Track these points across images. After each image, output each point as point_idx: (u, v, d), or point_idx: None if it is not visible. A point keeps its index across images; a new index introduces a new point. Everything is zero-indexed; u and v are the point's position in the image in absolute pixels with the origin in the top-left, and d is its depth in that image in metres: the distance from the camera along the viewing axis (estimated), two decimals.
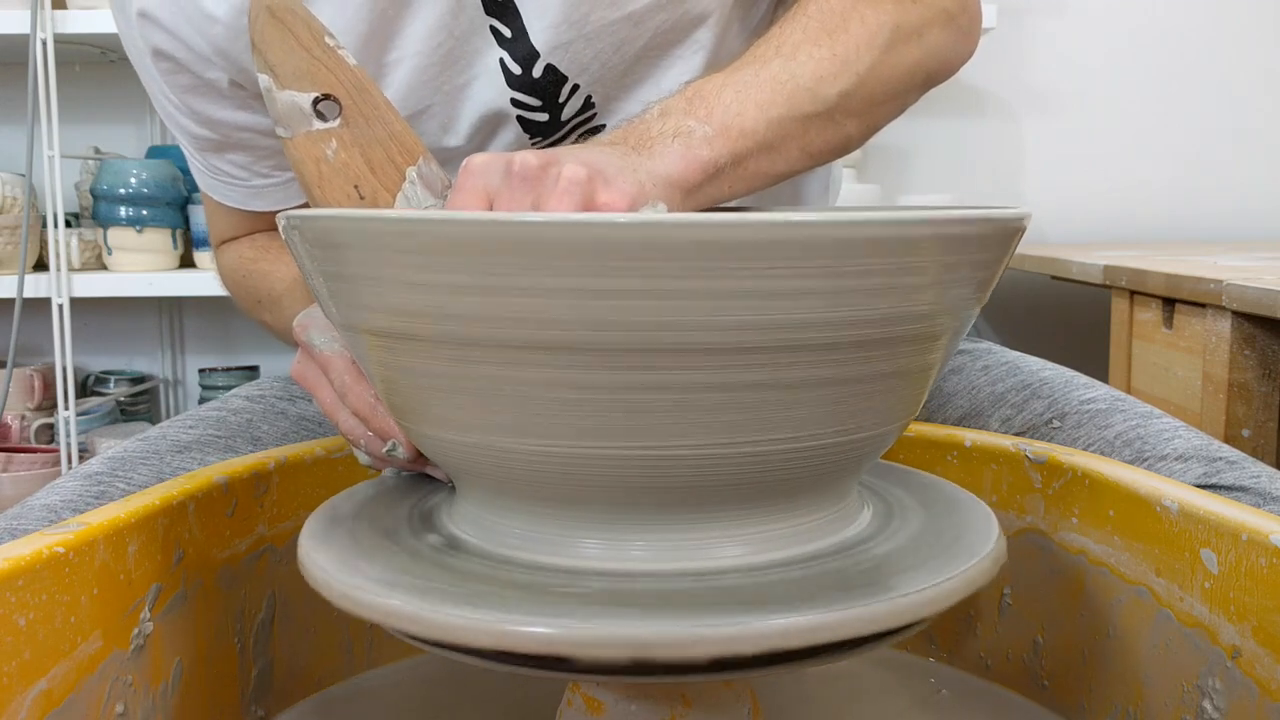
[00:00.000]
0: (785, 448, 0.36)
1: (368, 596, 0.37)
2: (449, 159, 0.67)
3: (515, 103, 0.66)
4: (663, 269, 0.32)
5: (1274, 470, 0.57)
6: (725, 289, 0.32)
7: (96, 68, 1.86)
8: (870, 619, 0.35)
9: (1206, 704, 0.43)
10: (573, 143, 0.68)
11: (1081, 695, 0.51)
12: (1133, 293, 1.31)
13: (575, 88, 0.67)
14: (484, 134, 0.68)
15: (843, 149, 0.60)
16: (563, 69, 0.66)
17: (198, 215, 1.81)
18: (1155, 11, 2.04)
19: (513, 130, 0.68)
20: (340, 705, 0.56)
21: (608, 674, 0.35)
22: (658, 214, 0.32)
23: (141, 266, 1.77)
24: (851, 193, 1.82)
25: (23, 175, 1.74)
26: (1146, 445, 0.60)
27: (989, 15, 1.77)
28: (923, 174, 2.07)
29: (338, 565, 0.39)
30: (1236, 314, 1.07)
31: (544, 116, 0.68)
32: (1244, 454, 0.59)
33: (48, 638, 0.40)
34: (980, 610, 0.56)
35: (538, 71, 0.65)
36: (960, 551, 0.39)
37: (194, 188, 1.86)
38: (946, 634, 0.58)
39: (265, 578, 0.53)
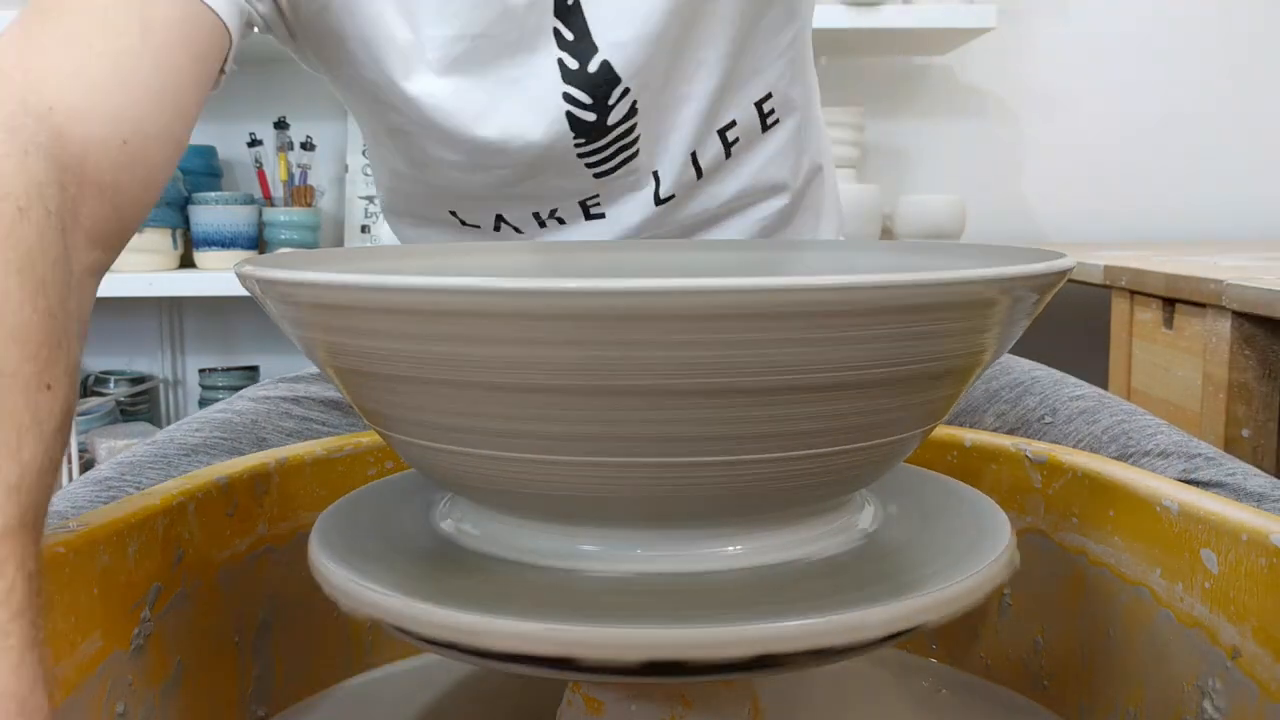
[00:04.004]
0: (805, 465, 0.36)
1: (372, 596, 0.37)
2: (491, 146, 0.69)
3: (567, 97, 0.68)
4: (713, 329, 0.31)
5: (1249, 467, 0.59)
6: (773, 345, 0.31)
7: None
8: (885, 621, 0.35)
9: (1206, 704, 0.43)
10: (614, 155, 0.71)
11: (1081, 695, 0.51)
12: (1133, 293, 1.31)
13: (625, 91, 0.68)
14: (529, 124, 0.69)
15: None
16: (617, 69, 0.67)
17: (198, 215, 1.81)
18: (1155, 11, 2.04)
19: (558, 127, 0.69)
20: (340, 705, 0.56)
21: (609, 675, 0.35)
22: (699, 281, 0.30)
23: (141, 266, 1.77)
24: (851, 193, 1.82)
25: None
26: (1131, 441, 0.62)
27: (989, 15, 1.77)
28: (923, 174, 2.07)
29: (344, 566, 0.39)
30: (1236, 314, 1.07)
31: (592, 116, 0.69)
32: (1221, 451, 0.61)
33: (48, 637, 0.39)
34: (980, 610, 0.56)
35: (593, 67, 0.67)
36: (974, 550, 0.39)
37: (194, 187, 1.86)
38: (946, 634, 0.58)
39: (265, 578, 0.53)
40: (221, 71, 0.61)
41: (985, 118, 2.07)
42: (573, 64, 0.67)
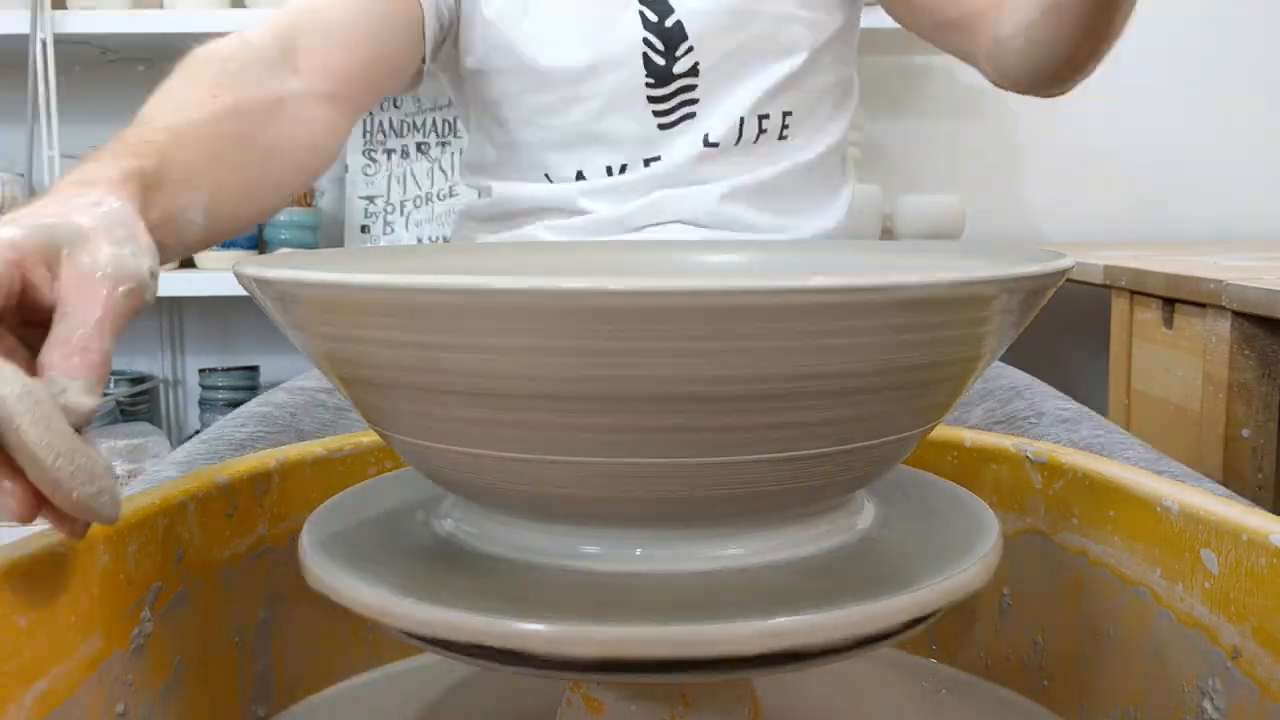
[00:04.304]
0: (804, 465, 0.36)
1: (366, 596, 0.37)
2: (581, 74, 0.84)
3: (646, 41, 0.84)
4: (728, 330, 0.31)
5: (1216, 486, 0.59)
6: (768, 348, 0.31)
7: (96, 68, 1.86)
8: (875, 616, 0.35)
9: (1206, 704, 0.43)
10: (676, 108, 0.86)
11: (1081, 695, 0.51)
12: (1133, 293, 1.31)
13: (690, 49, 0.84)
14: (613, 57, 0.84)
15: None
16: (687, 29, 0.84)
17: None
18: (1156, 11, 2.04)
19: (634, 63, 0.84)
20: (340, 705, 0.56)
21: (608, 674, 0.35)
22: (722, 280, 0.30)
23: None
24: (852, 193, 1.82)
25: (23, 175, 1.74)
26: (1104, 454, 0.63)
27: None
28: (923, 174, 2.07)
29: (338, 565, 0.39)
30: (1236, 314, 1.07)
31: (662, 61, 0.85)
32: (1187, 469, 0.63)
33: (48, 638, 0.40)
34: (980, 610, 0.57)
35: (669, 23, 0.84)
36: (963, 547, 0.40)
37: None
38: (946, 634, 0.58)
39: (265, 578, 0.53)
40: (423, 63, 0.87)
41: (985, 118, 2.06)
42: (653, 17, 0.84)
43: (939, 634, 0.59)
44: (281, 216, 1.85)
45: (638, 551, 0.38)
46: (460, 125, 1.84)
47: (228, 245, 1.80)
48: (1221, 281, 1.08)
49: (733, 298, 0.30)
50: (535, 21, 0.85)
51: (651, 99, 0.85)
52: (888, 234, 1.91)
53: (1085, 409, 0.72)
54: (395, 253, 0.55)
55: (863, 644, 0.35)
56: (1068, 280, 0.39)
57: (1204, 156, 2.05)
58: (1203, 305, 1.13)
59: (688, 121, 0.86)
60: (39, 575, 0.40)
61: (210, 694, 0.50)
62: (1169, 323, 1.22)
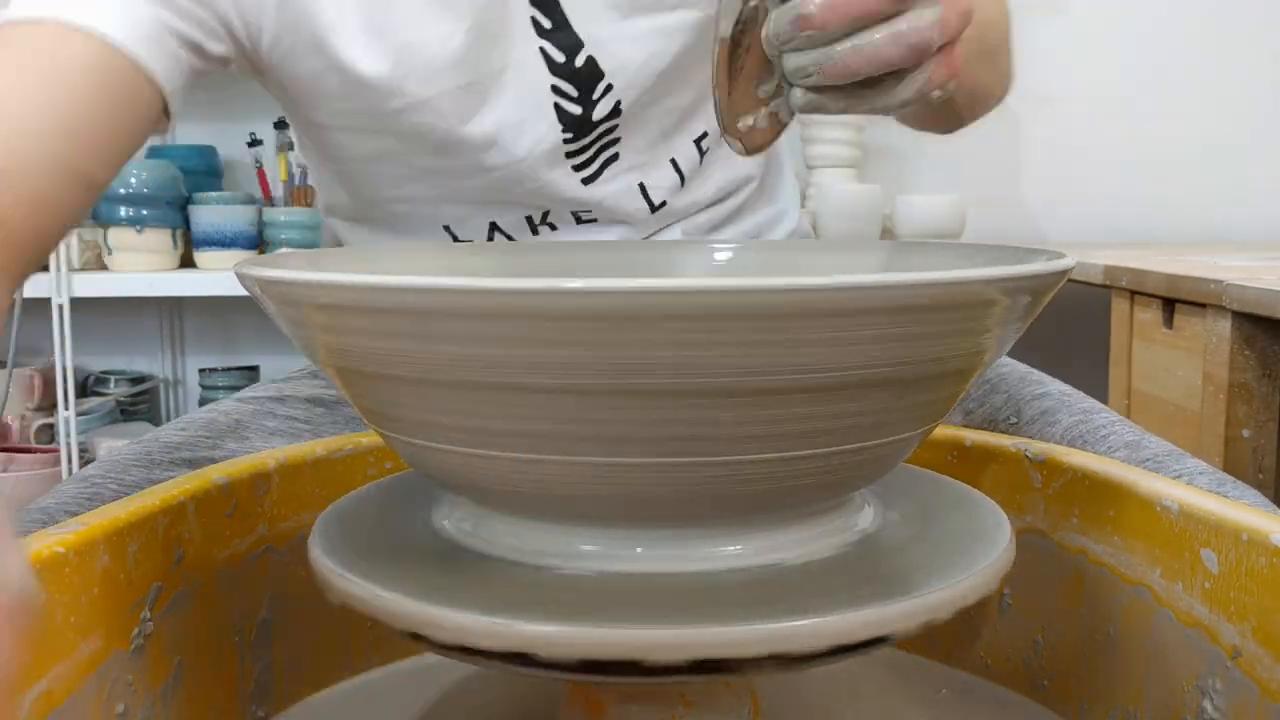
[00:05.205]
0: (805, 465, 0.36)
1: (372, 596, 0.37)
2: (483, 144, 0.70)
3: (555, 89, 0.70)
4: (713, 329, 0.31)
5: (1199, 463, 0.59)
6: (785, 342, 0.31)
7: None
8: (885, 620, 0.35)
9: (1206, 704, 0.43)
10: (596, 154, 0.73)
11: (1081, 695, 0.51)
12: (1133, 293, 1.31)
13: (609, 88, 0.70)
14: (520, 117, 0.70)
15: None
16: (601, 65, 0.70)
17: (198, 215, 1.81)
18: (1156, 11, 2.04)
19: (547, 120, 0.70)
20: (340, 705, 0.56)
21: (607, 675, 0.35)
22: (750, 280, 0.30)
23: (141, 266, 1.77)
24: (851, 193, 1.82)
25: None
26: (1085, 444, 0.62)
27: None
28: (923, 174, 2.07)
29: (345, 566, 0.39)
30: (1237, 314, 1.07)
31: (578, 110, 0.71)
32: (1172, 447, 0.60)
33: (48, 638, 0.39)
34: (980, 610, 0.57)
35: (579, 61, 0.70)
36: (973, 550, 0.39)
37: (194, 187, 1.86)
38: (946, 634, 0.58)
39: (265, 578, 0.53)
40: (166, 115, 0.63)
41: (985, 118, 2.06)
42: (559, 56, 0.69)
43: (939, 634, 0.59)
44: (281, 216, 1.85)
45: (638, 551, 0.38)
46: None
47: (227, 245, 1.80)
48: (1221, 281, 1.08)
49: (732, 298, 0.30)
50: (421, 82, 0.67)
51: (570, 154, 0.72)
52: (888, 234, 1.91)
53: (1065, 390, 0.68)
54: (395, 252, 0.55)
55: (864, 647, 0.35)
56: (1068, 280, 0.39)
57: (1204, 156, 2.05)
58: (1203, 305, 1.13)
59: (612, 165, 0.73)
60: (39, 575, 0.39)
61: (210, 694, 0.50)
62: (1169, 323, 1.22)
